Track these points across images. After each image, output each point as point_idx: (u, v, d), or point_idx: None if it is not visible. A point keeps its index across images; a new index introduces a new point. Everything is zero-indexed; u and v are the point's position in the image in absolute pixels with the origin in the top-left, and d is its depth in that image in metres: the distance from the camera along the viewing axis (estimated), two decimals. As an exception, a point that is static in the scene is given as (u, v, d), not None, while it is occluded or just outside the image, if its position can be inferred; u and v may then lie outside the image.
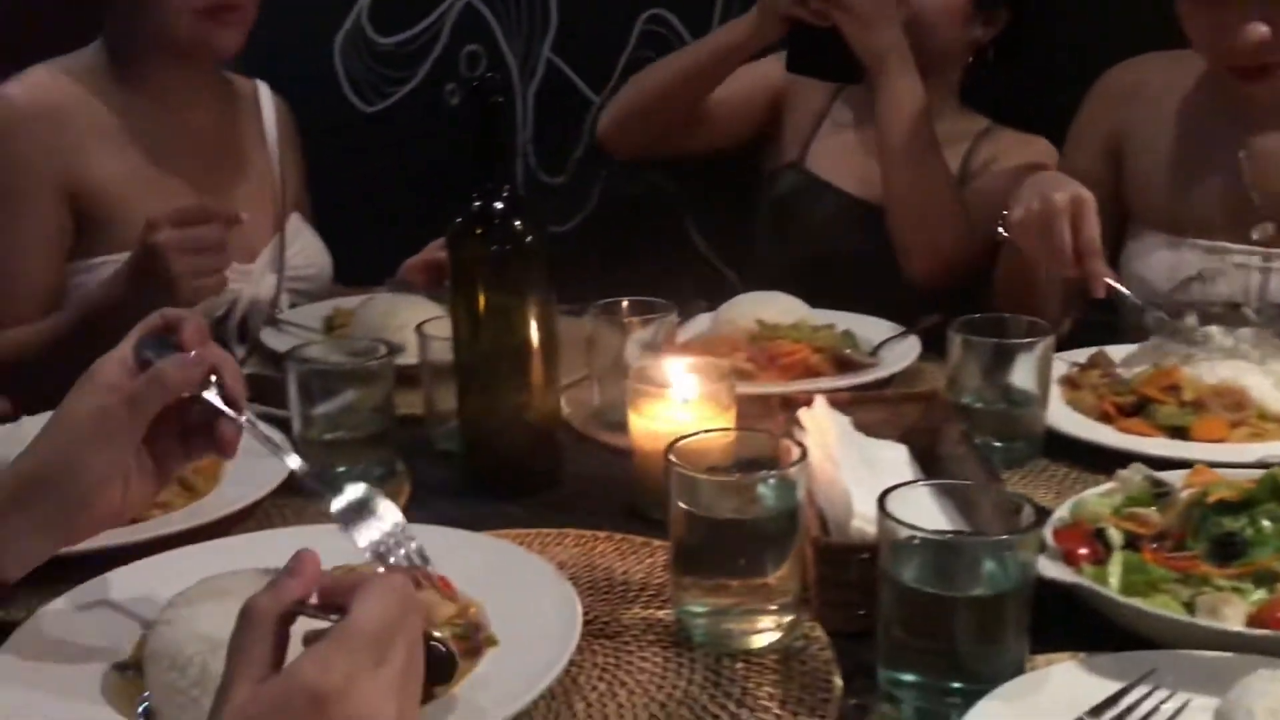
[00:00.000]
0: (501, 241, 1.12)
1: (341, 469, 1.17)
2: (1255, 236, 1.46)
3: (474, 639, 0.82)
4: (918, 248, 1.65)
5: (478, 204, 1.12)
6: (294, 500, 1.13)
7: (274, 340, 1.53)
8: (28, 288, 1.52)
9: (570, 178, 2.37)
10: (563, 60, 2.37)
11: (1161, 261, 1.50)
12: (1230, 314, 1.39)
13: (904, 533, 0.76)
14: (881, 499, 0.78)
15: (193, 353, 0.85)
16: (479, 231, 1.13)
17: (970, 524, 0.83)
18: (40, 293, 1.52)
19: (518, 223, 1.12)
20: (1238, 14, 1.34)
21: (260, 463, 1.14)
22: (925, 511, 0.81)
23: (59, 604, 0.88)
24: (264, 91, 1.82)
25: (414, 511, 1.09)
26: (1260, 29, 1.33)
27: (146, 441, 0.84)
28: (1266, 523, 0.87)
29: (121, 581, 0.92)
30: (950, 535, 0.78)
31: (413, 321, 1.39)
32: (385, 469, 1.19)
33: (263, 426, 0.94)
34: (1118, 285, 1.37)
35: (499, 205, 1.12)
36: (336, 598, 0.64)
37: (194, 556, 0.96)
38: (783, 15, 1.62)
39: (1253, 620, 0.81)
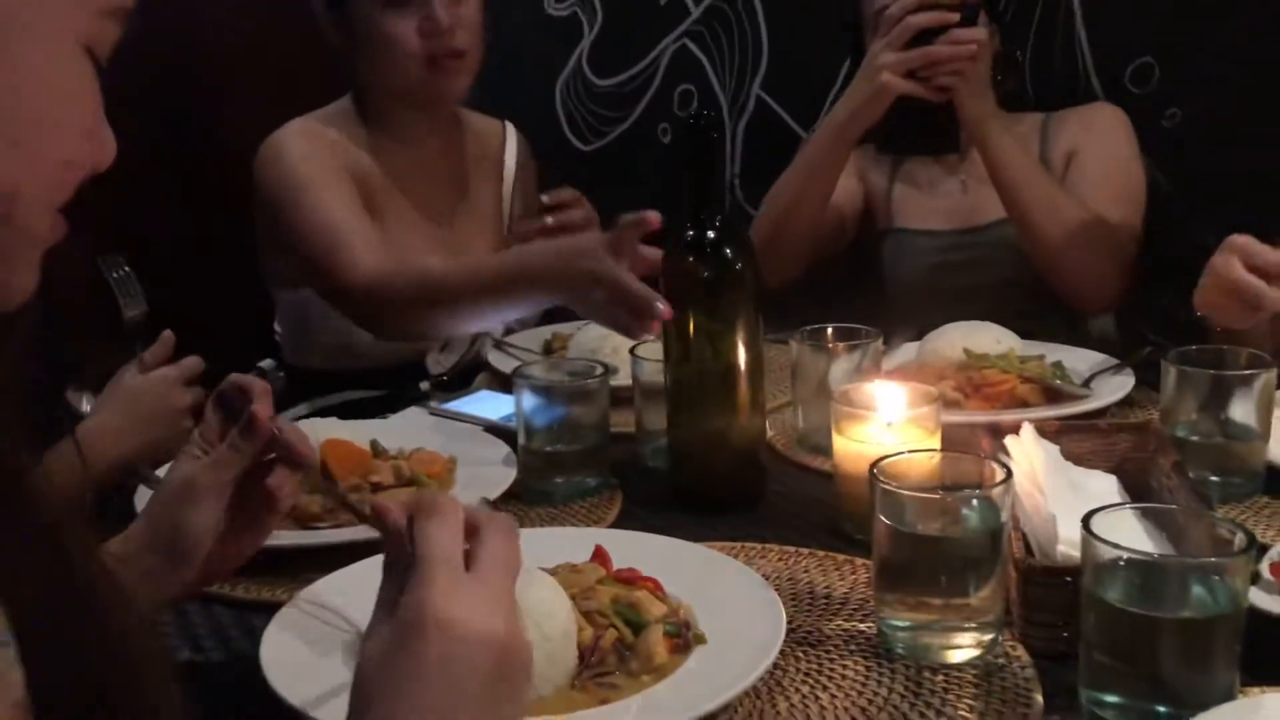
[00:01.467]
0: (713, 268, 1.18)
1: (559, 479, 1.25)
2: None
3: (684, 636, 0.87)
4: (1089, 281, 1.68)
5: (691, 232, 1.18)
6: (516, 505, 1.22)
7: (499, 362, 1.64)
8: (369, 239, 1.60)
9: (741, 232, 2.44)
10: (771, 97, 2.44)
11: None
12: None
13: (1108, 553, 0.77)
14: (1086, 519, 0.79)
15: (261, 420, 0.89)
16: (692, 259, 1.19)
17: (1178, 550, 0.83)
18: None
19: (729, 250, 1.18)
20: None
21: (488, 470, 1.25)
22: (1131, 535, 0.81)
23: (320, 584, 0.98)
24: (510, 131, 1.99)
25: (623, 523, 1.18)
26: None
27: (238, 500, 0.90)
28: None
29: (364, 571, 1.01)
30: (1155, 555, 0.78)
31: (625, 346, 1.47)
32: (599, 481, 1.27)
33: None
34: None
35: (711, 234, 1.18)
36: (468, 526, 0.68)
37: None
38: (901, 94, 1.62)
39: None
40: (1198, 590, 0.77)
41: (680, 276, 1.20)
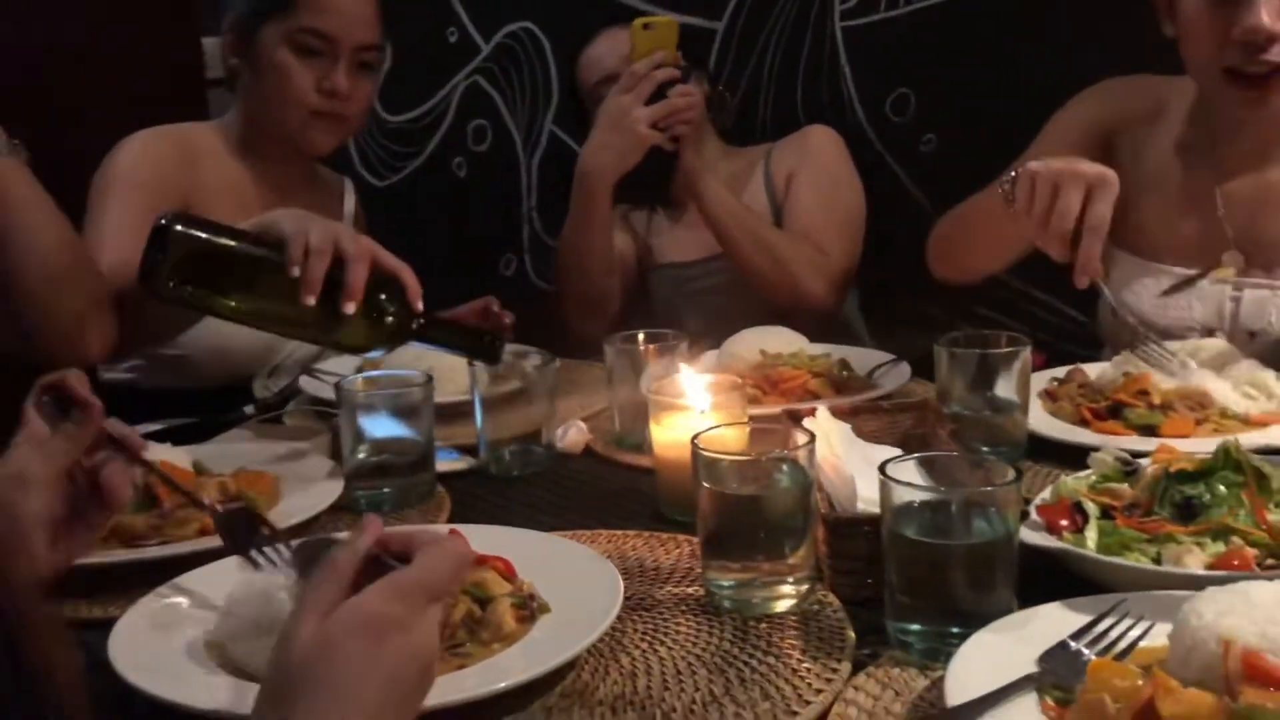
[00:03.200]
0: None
1: (387, 489, 1.28)
2: (1226, 263, 1.58)
3: (529, 607, 0.93)
4: (804, 297, 1.87)
5: None
6: (347, 515, 1.24)
7: (311, 387, 1.65)
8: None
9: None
10: (563, 131, 2.54)
11: (1144, 287, 1.60)
12: (1205, 338, 1.51)
13: (904, 494, 0.88)
14: (883, 467, 0.90)
15: (96, 405, 0.93)
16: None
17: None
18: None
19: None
20: (1248, 6, 1.39)
21: (315, 485, 1.27)
22: (920, 481, 0.93)
23: (152, 596, 0.98)
24: (348, 185, 2.07)
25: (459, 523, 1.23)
26: (1266, 11, 1.37)
27: (69, 497, 0.92)
28: (1222, 487, 0.99)
29: (197, 581, 1.02)
30: (944, 490, 0.90)
31: (440, 362, 1.52)
32: (428, 487, 1.31)
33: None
34: (1102, 284, 1.40)
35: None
36: (404, 549, 0.74)
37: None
38: (649, 143, 1.78)
39: (1211, 568, 0.92)
40: (978, 523, 0.88)
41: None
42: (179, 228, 1.16)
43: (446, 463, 1.38)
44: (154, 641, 0.91)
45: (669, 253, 2.10)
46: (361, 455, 1.28)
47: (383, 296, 1.23)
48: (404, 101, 2.70)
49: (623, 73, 1.81)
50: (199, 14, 2.64)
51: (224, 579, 0.98)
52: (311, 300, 1.18)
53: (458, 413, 1.47)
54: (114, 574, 1.06)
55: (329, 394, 1.48)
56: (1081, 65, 1.79)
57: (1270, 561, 0.94)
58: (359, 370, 1.75)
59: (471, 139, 2.66)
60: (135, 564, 1.08)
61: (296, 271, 1.18)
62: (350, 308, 1.19)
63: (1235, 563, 0.92)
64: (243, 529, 1.01)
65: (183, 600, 0.98)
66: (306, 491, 1.26)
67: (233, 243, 1.21)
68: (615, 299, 2.01)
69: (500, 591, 0.93)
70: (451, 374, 1.51)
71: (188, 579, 1.01)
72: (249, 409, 1.58)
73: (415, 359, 1.62)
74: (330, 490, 1.25)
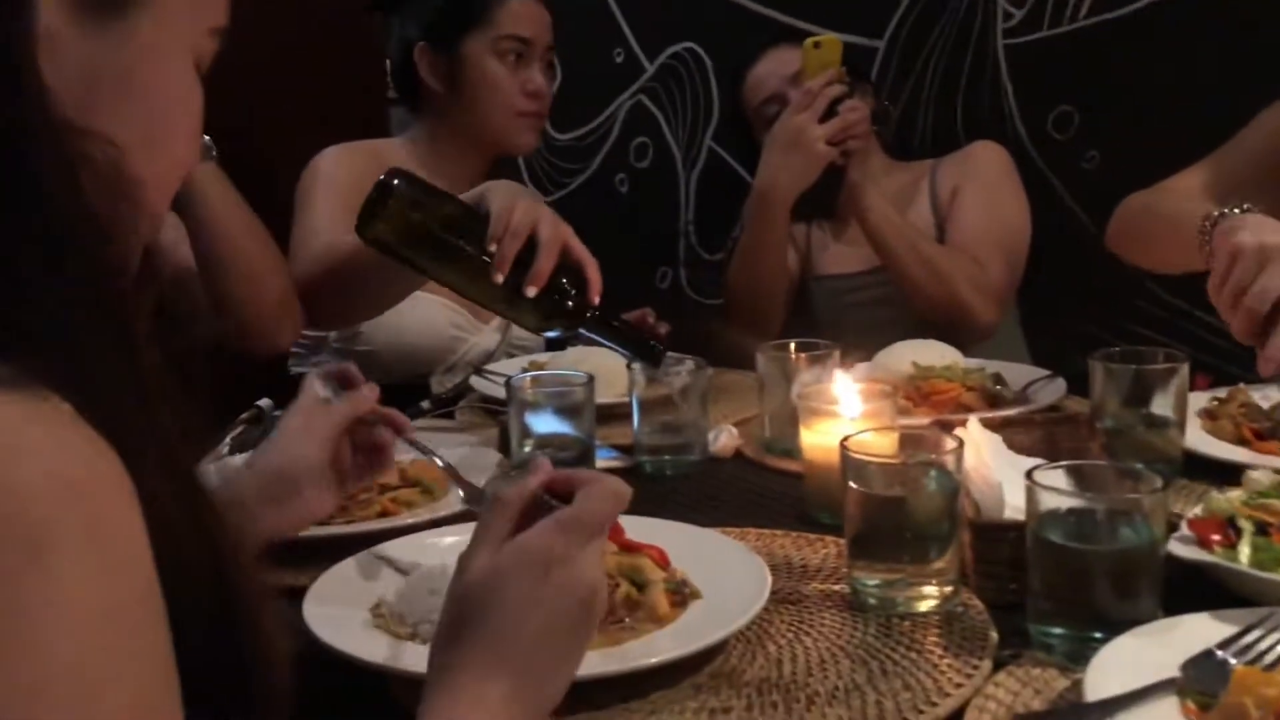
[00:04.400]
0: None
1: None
2: None
3: (681, 593, 0.99)
4: (962, 312, 1.87)
5: None
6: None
7: (483, 387, 1.75)
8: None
9: (729, 254, 2.58)
10: (722, 147, 2.60)
11: None
12: None
13: (1050, 500, 0.90)
14: (1029, 474, 0.92)
15: (364, 388, 1.14)
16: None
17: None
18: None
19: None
20: None
21: (484, 475, 1.36)
22: (1067, 488, 0.95)
23: (348, 563, 1.09)
24: None
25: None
26: None
27: (337, 459, 1.10)
28: (1380, 508, 0.97)
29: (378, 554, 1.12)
30: (1089, 497, 0.91)
31: (601, 365, 1.59)
32: (587, 484, 1.38)
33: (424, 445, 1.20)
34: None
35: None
36: (567, 489, 0.79)
37: (429, 538, 1.16)
38: (828, 160, 1.83)
39: (1370, 588, 0.91)
40: (1124, 530, 0.90)
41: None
42: (399, 183, 1.24)
43: (605, 460, 1.45)
44: (345, 605, 1.00)
45: (830, 265, 2.13)
46: (527, 449, 1.36)
47: (565, 281, 1.29)
48: (571, 120, 2.81)
49: (787, 92, 1.86)
50: (381, 35, 2.80)
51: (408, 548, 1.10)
52: (500, 278, 1.26)
53: (617, 414, 1.53)
54: (300, 548, 1.16)
55: (497, 392, 1.57)
56: (1243, 81, 1.76)
57: None
58: (526, 370, 1.85)
59: (634, 156, 2.74)
60: (322, 539, 1.18)
61: (493, 248, 1.26)
62: (531, 292, 1.26)
63: (1396, 584, 0.91)
64: None
65: (376, 563, 1.08)
66: (476, 481, 1.34)
67: (444, 207, 1.29)
68: (782, 314, 2.05)
69: (655, 576, 0.99)
70: (612, 377, 1.58)
71: (380, 549, 1.11)
72: (425, 404, 1.68)
73: (578, 360, 1.71)
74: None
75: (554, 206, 2.84)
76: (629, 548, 1.03)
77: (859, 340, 1.70)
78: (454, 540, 1.10)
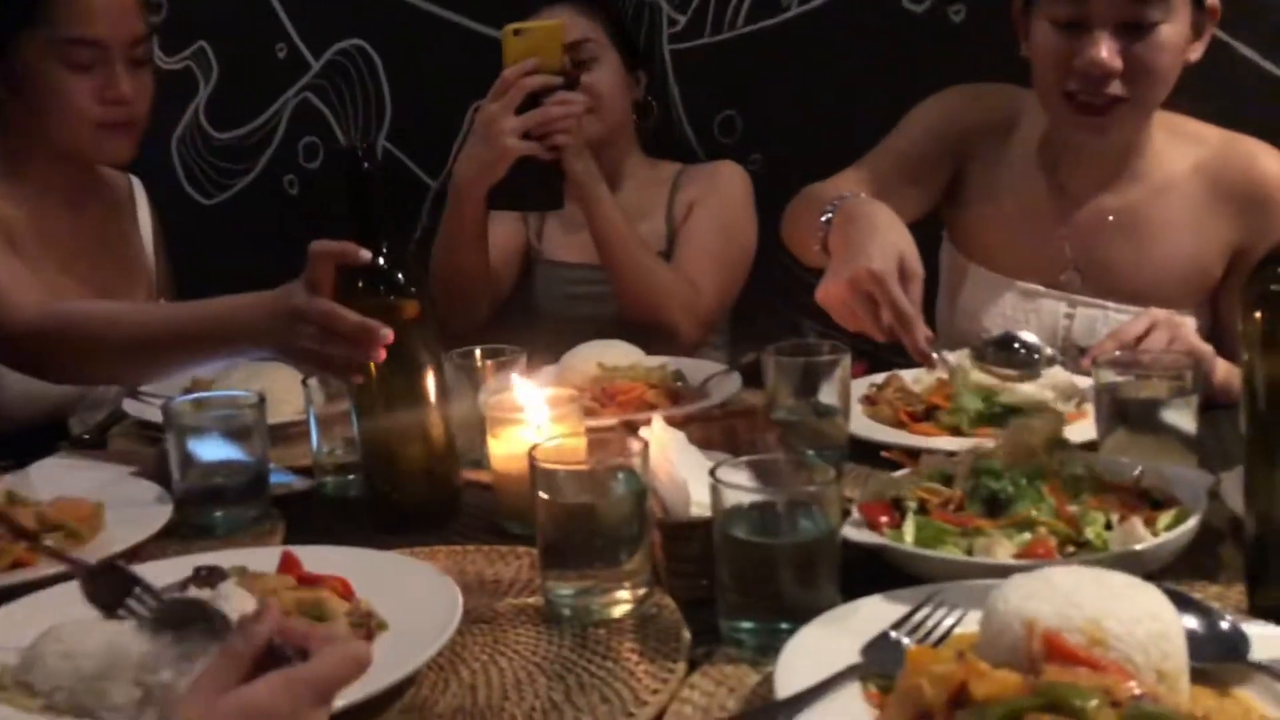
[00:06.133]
0: (389, 293, 1.22)
1: (218, 514, 1.25)
2: (1063, 280, 1.64)
3: (367, 625, 0.93)
4: (668, 330, 1.86)
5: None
6: (173, 542, 1.21)
7: (135, 409, 1.59)
8: None
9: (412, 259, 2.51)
10: (397, 147, 2.52)
11: (991, 301, 1.68)
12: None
13: (734, 496, 0.91)
14: (713, 471, 0.93)
15: None
16: (361, 285, 1.21)
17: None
18: None
19: (402, 277, 1.23)
20: (1091, 40, 1.45)
21: (139, 511, 1.23)
22: (749, 484, 0.96)
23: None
24: (137, 185, 1.94)
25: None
26: (1106, 49, 1.45)
27: None
28: (1023, 480, 1.06)
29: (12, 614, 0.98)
30: (770, 491, 0.94)
31: (276, 385, 1.49)
32: (260, 512, 1.28)
33: None
34: (944, 358, 1.40)
35: (381, 261, 1.21)
36: (302, 642, 0.73)
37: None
38: (517, 154, 1.71)
39: (1018, 558, 0.99)
40: (803, 522, 0.92)
41: (360, 308, 1.19)
42: None
43: (282, 485, 1.35)
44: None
45: (558, 251, 2.08)
46: (190, 479, 1.25)
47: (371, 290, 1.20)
48: (232, 118, 2.64)
49: None
50: None
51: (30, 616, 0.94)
52: (360, 379, 1.21)
53: (292, 434, 1.44)
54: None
55: (156, 415, 1.43)
56: (892, 85, 1.89)
57: (1070, 549, 1.01)
58: (187, 390, 1.70)
59: (303, 156, 2.61)
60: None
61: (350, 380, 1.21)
62: (358, 381, 1.21)
63: (1039, 551, 0.99)
64: (109, 586, 0.93)
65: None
66: (131, 519, 1.21)
67: None
68: (487, 305, 1.98)
69: (337, 611, 0.92)
70: (286, 395, 1.48)
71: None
72: (61, 449, 1.51)
73: (248, 378, 1.59)
74: (157, 516, 1.21)
75: (216, 211, 2.69)
76: (308, 581, 0.97)
77: (575, 331, 1.68)
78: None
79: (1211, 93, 1.62)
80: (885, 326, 1.38)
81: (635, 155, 2.10)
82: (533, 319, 2.08)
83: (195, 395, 1.37)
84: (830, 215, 1.52)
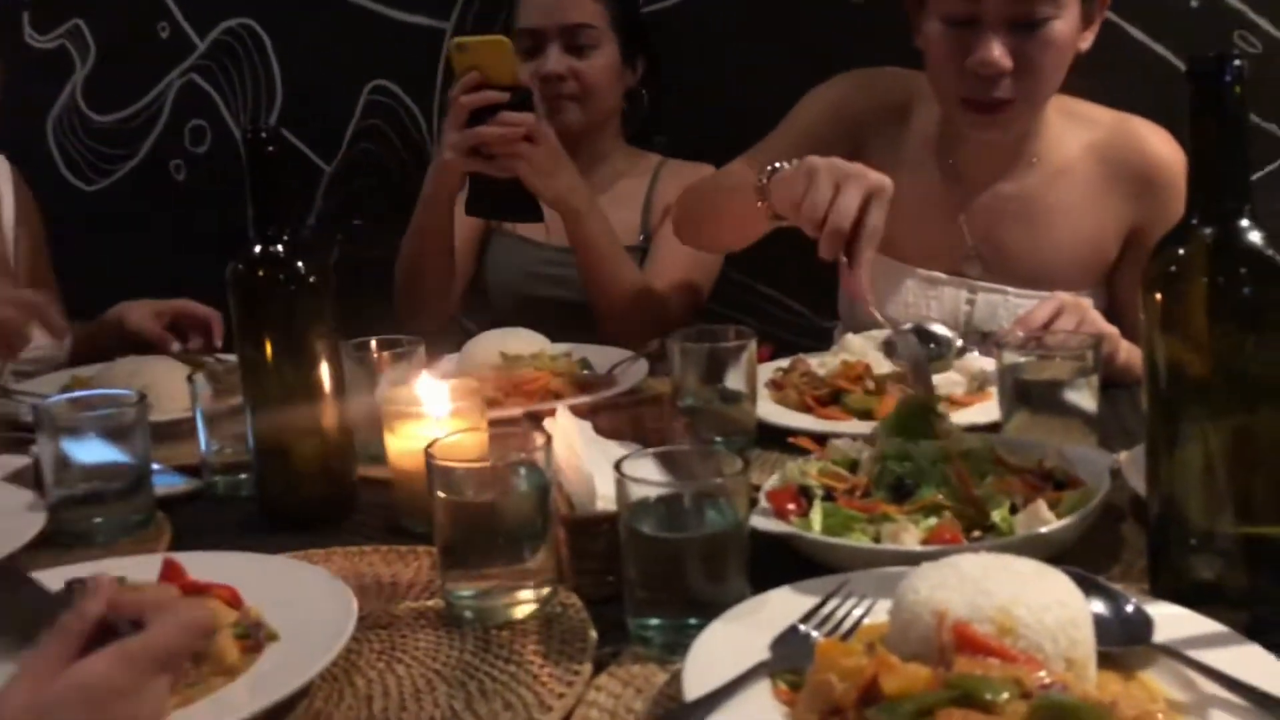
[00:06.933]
0: (287, 281, 1.18)
1: (98, 519, 1.19)
2: (963, 266, 1.66)
3: (256, 636, 0.88)
4: (622, 341, 1.78)
5: (259, 248, 1.17)
6: (50, 552, 1.14)
7: (7, 408, 1.51)
8: None
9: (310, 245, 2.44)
10: (291, 131, 2.43)
11: (892, 288, 1.67)
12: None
13: (639, 490, 0.88)
14: (617, 465, 0.90)
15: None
16: (262, 273, 1.18)
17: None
18: None
19: (301, 263, 1.18)
20: (984, 39, 1.46)
21: (9, 520, 1.16)
22: (655, 477, 0.94)
23: None
24: (3, 169, 1.85)
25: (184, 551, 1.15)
26: (997, 48, 1.45)
27: None
28: (926, 465, 1.05)
29: None
30: (675, 484, 0.91)
31: (160, 381, 1.42)
32: (144, 516, 1.21)
33: None
34: (867, 295, 1.30)
35: (281, 248, 1.17)
36: (137, 612, 0.70)
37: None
38: (461, 169, 1.70)
39: (925, 543, 0.98)
40: (711, 514, 0.90)
41: (252, 293, 1.18)
42: None
43: (166, 487, 1.29)
44: None
45: (521, 227, 2.00)
46: (67, 484, 1.18)
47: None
48: (112, 100, 2.52)
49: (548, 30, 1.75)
50: None
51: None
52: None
53: (178, 432, 1.37)
54: None
55: (27, 415, 1.35)
56: (802, 68, 1.87)
57: (977, 533, 1.00)
58: (65, 389, 1.62)
59: (190, 140, 2.50)
60: None
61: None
62: None
63: (946, 537, 0.98)
64: None
65: None
66: (1, 527, 1.14)
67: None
68: (451, 304, 1.95)
69: (225, 621, 0.87)
70: (169, 391, 1.42)
71: None
72: None
73: (131, 374, 1.52)
74: (30, 524, 1.14)
75: (98, 196, 2.57)
76: (193, 590, 0.91)
77: (527, 309, 1.66)
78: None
79: (1104, 74, 1.64)
80: (840, 229, 1.27)
81: (618, 143, 2.05)
82: (480, 293, 2.03)
83: (71, 395, 1.29)
84: (775, 168, 1.44)
